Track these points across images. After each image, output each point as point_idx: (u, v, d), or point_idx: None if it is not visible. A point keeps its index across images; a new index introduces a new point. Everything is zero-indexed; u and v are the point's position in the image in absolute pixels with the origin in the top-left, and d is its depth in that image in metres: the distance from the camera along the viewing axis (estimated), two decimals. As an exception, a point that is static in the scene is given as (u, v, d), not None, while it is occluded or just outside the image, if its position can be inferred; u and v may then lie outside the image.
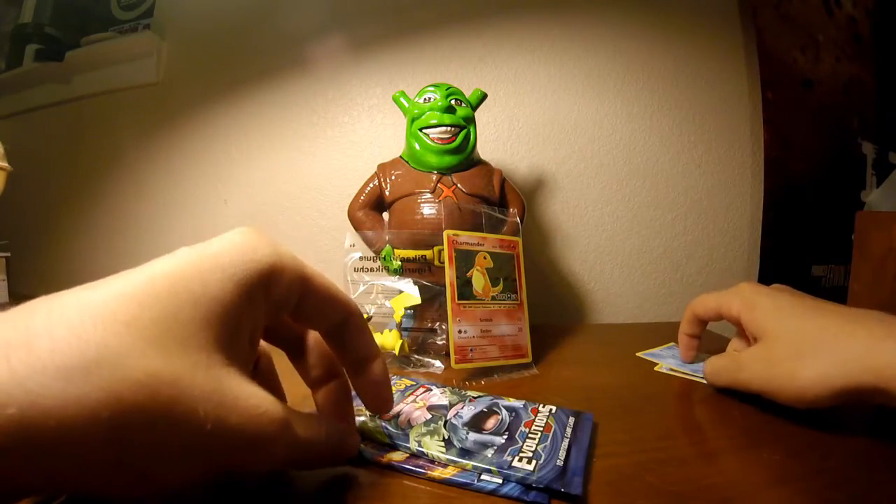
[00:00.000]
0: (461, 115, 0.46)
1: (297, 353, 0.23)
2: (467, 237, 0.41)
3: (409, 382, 0.33)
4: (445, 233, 0.40)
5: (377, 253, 0.44)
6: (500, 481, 0.22)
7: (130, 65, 0.73)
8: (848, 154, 0.75)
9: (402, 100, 0.49)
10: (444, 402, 0.30)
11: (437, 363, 0.40)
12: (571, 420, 0.28)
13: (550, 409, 0.29)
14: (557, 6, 0.66)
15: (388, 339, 0.40)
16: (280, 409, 0.17)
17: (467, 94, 0.48)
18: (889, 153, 0.78)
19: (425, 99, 0.46)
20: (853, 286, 0.52)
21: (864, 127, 0.76)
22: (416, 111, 0.46)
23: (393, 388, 0.32)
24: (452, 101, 0.46)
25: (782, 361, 0.28)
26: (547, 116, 0.67)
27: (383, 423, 0.26)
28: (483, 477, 0.23)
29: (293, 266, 0.18)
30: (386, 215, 0.48)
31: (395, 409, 0.29)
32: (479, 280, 0.40)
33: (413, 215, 0.44)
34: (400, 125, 0.52)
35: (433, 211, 0.44)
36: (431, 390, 0.32)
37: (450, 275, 0.39)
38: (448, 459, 0.24)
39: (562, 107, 0.67)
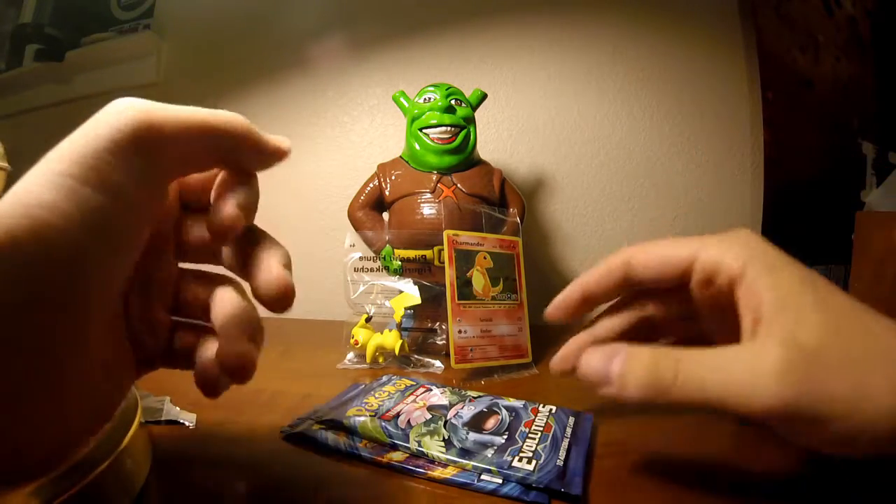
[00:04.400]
0: (461, 115, 0.46)
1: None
2: (467, 237, 0.41)
3: (409, 382, 0.33)
4: (445, 233, 0.40)
5: (377, 253, 0.44)
6: (500, 481, 0.22)
7: (130, 65, 0.73)
8: (848, 154, 0.75)
9: (401, 100, 0.49)
10: (444, 402, 0.30)
11: (437, 363, 0.40)
12: (571, 420, 0.28)
13: (550, 409, 0.29)
14: (557, 6, 0.66)
15: (388, 339, 0.40)
16: None
17: (467, 94, 0.48)
18: (889, 153, 0.78)
19: (425, 99, 0.46)
20: (854, 286, 0.52)
21: (864, 127, 0.76)
22: (415, 111, 0.46)
23: (393, 388, 0.32)
24: (452, 101, 0.46)
25: (844, 369, 0.17)
26: (547, 116, 0.67)
27: (383, 423, 0.26)
28: (483, 477, 0.23)
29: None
30: (386, 215, 0.48)
31: (395, 409, 0.29)
32: (479, 280, 0.40)
33: (413, 215, 0.44)
34: (400, 125, 0.52)
35: (433, 211, 0.44)
36: (431, 390, 0.32)
37: (450, 275, 0.39)
38: (448, 459, 0.24)
39: (562, 107, 0.67)
